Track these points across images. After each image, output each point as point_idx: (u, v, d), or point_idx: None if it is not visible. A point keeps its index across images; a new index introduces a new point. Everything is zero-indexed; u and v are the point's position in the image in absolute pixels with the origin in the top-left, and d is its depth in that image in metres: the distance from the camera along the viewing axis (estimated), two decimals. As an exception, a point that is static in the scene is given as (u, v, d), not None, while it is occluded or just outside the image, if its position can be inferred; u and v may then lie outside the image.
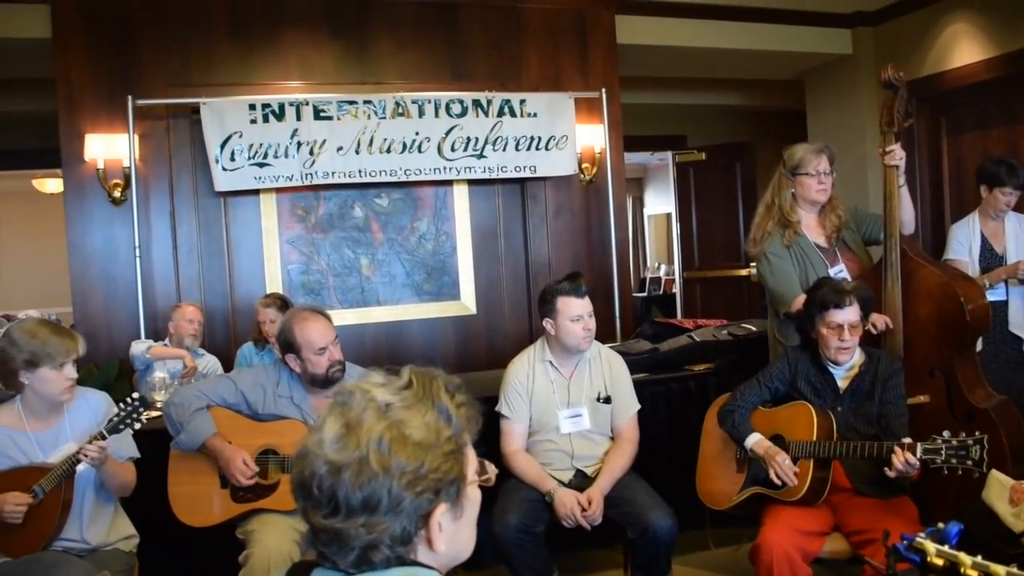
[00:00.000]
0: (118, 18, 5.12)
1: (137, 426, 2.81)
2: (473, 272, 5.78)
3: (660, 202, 13.96)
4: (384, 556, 1.14)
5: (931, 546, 1.30)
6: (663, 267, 13.16)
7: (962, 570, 1.26)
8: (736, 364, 4.19)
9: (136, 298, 5.01)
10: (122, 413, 2.78)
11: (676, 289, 9.41)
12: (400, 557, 1.16)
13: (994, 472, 2.71)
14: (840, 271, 3.62)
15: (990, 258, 4.43)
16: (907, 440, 2.58)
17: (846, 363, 2.98)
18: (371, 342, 5.59)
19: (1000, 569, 1.22)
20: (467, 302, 5.77)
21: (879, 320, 3.35)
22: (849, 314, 2.89)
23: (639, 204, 14.98)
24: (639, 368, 4.19)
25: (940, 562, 1.29)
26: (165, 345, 4.78)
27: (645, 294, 11.59)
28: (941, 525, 1.36)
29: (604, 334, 5.41)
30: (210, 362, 4.85)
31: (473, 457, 1.26)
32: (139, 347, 4.67)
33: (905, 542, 1.33)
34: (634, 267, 14.83)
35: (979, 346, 3.88)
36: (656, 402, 4.13)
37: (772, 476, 2.86)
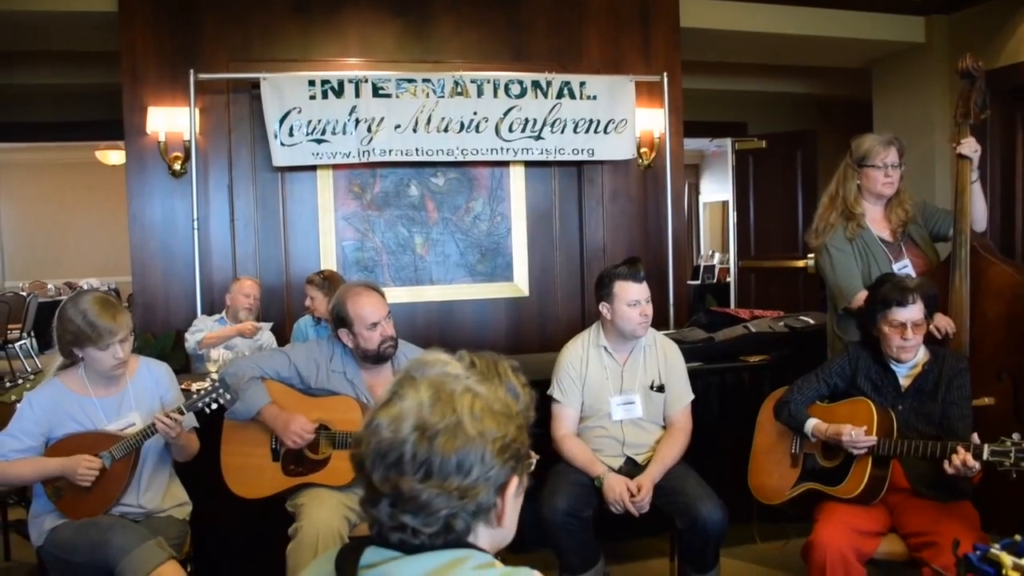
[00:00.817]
0: (183, -8, 5.17)
1: (214, 406, 2.83)
2: (527, 254, 5.75)
3: (716, 189, 13.79)
4: (462, 527, 1.15)
5: (1008, 559, 1.24)
6: (717, 255, 12.99)
7: (1038, 585, 1.20)
8: (792, 357, 4.10)
9: (193, 270, 5.08)
10: (203, 392, 2.80)
11: (730, 278, 9.26)
12: (465, 535, 1.16)
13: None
14: (904, 267, 3.51)
15: None
16: (976, 441, 2.50)
17: (909, 362, 2.89)
18: (423, 321, 5.61)
19: (1079, 585, 1.17)
20: (520, 284, 5.75)
21: (942, 323, 3.24)
22: (912, 312, 2.80)
23: (694, 191, 14.81)
24: (693, 357, 4.12)
25: (1017, 575, 1.24)
26: (218, 321, 4.84)
27: (698, 282, 11.45)
28: (1018, 537, 1.30)
29: (657, 321, 5.32)
30: (266, 335, 4.89)
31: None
32: (192, 341, 4.71)
33: (978, 552, 1.27)
34: (689, 255, 14.69)
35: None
36: (709, 392, 4.06)
37: (848, 449, 2.77)
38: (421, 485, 1.12)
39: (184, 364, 4.84)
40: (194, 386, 2.84)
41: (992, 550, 1.26)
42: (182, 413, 2.70)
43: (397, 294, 5.53)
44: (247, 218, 5.30)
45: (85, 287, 11.60)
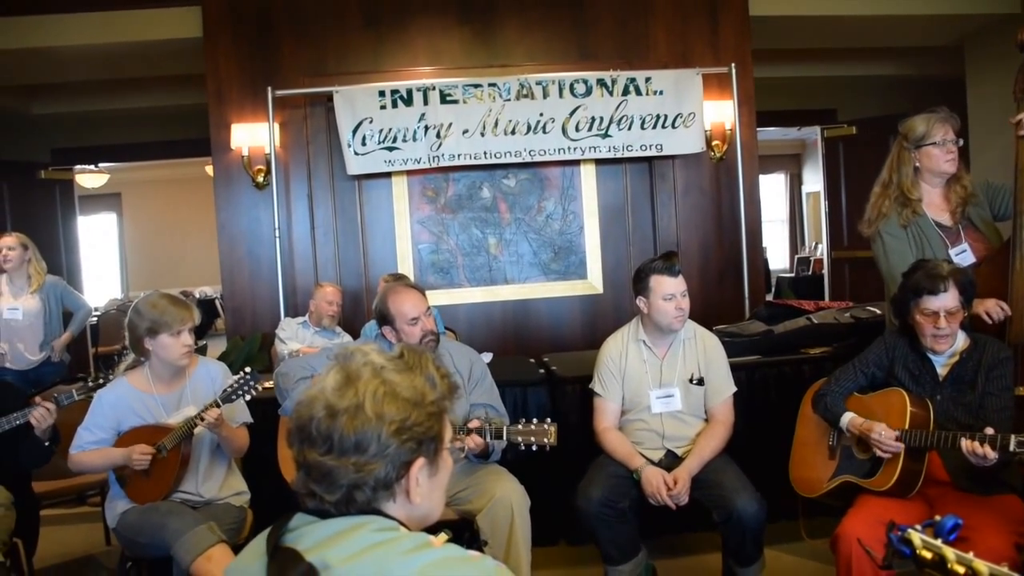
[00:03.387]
0: (260, 15, 5.49)
1: (247, 397, 3.03)
2: (600, 251, 5.80)
3: (818, 179, 13.41)
4: (365, 498, 1.28)
5: (917, 538, 1.25)
6: (820, 247, 12.64)
7: (948, 565, 1.21)
8: (856, 348, 3.99)
9: (277, 276, 5.36)
10: (235, 384, 3.01)
11: (824, 269, 9.02)
12: (374, 504, 1.28)
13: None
14: (963, 251, 3.39)
15: None
16: (989, 431, 2.42)
17: (945, 351, 2.80)
18: (499, 319, 5.74)
19: (983, 566, 1.17)
20: (594, 281, 5.80)
21: (992, 307, 3.12)
22: (945, 300, 2.71)
23: (797, 181, 14.45)
24: (751, 350, 4.09)
25: (928, 555, 1.24)
26: (301, 324, 5.08)
27: (793, 274, 11.18)
28: (938, 517, 1.31)
29: (733, 315, 5.34)
30: (347, 342, 5.11)
31: (450, 427, 1.39)
32: (284, 351, 4.91)
33: (899, 533, 1.29)
34: (790, 247, 14.35)
35: None
36: (767, 386, 4.01)
37: (874, 449, 2.74)
38: (323, 457, 1.26)
39: (267, 365, 5.11)
40: (229, 378, 3.05)
41: (909, 531, 1.27)
42: (218, 406, 2.92)
43: (473, 294, 5.70)
44: (327, 225, 5.55)
45: (198, 295, 12.30)
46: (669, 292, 3.20)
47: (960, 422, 2.71)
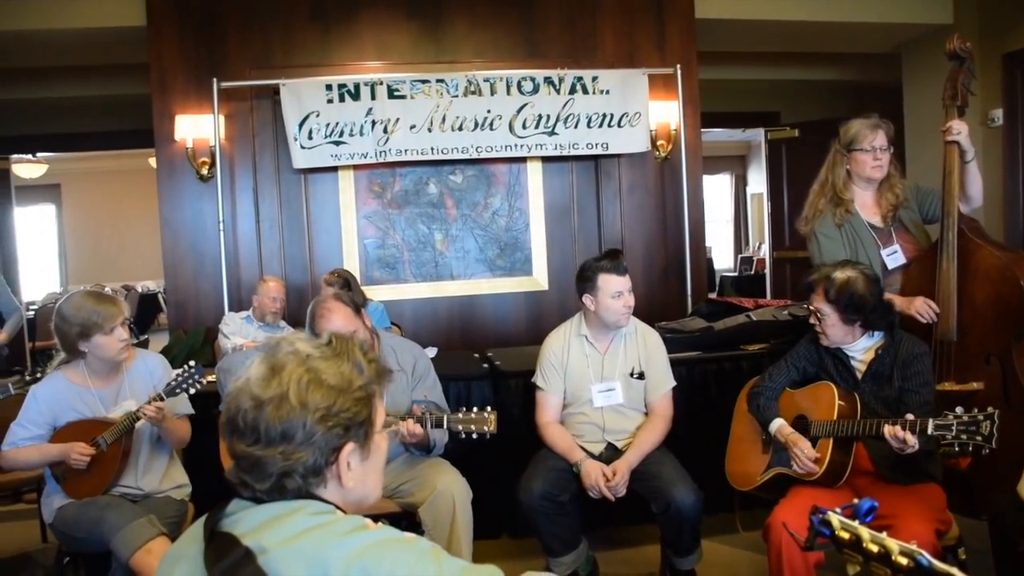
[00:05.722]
0: (206, 5, 5.42)
1: (192, 391, 3.01)
2: (546, 248, 5.86)
3: (762, 180, 13.67)
4: (296, 485, 1.29)
5: (836, 520, 1.32)
6: (763, 247, 12.89)
7: (864, 544, 1.27)
8: (792, 345, 4.09)
9: (221, 270, 5.30)
10: (179, 378, 2.99)
11: (766, 269, 9.20)
12: (307, 490, 1.30)
13: (1033, 464, 2.61)
14: (894, 251, 3.51)
15: None
16: (909, 416, 2.52)
17: (856, 346, 2.92)
18: (444, 315, 5.76)
19: (894, 544, 1.23)
20: (539, 278, 5.85)
21: (921, 307, 3.25)
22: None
23: (742, 182, 14.70)
24: (692, 346, 4.17)
25: (846, 535, 1.31)
26: (245, 319, 5.02)
27: (737, 274, 11.39)
28: (856, 501, 1.37)
29: (676, 313, 5.43)
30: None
31: (382, 410, 1.41)
32: (228, 346, 4.87)
33: (819, 515, 1.35)
34: (735, 247, 14.59)
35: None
36: (707, 381, 4.09)
37: (793, 464, 2.84)
38: (251, 448, 1.27)
39: (211, 360, 5.06)
40: (168, 370, 3.02)
41: (829, 513, 1.33)
42: (161, 399, 2.89)
43: (418, 290, 5.71)
44: (272, 219, 5.51)
45: (140, 290, 12.08)
46: (617, 290, 3.25)
47: (880, 416, 2.81)
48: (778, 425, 2.95)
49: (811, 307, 2.94)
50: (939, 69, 6.72)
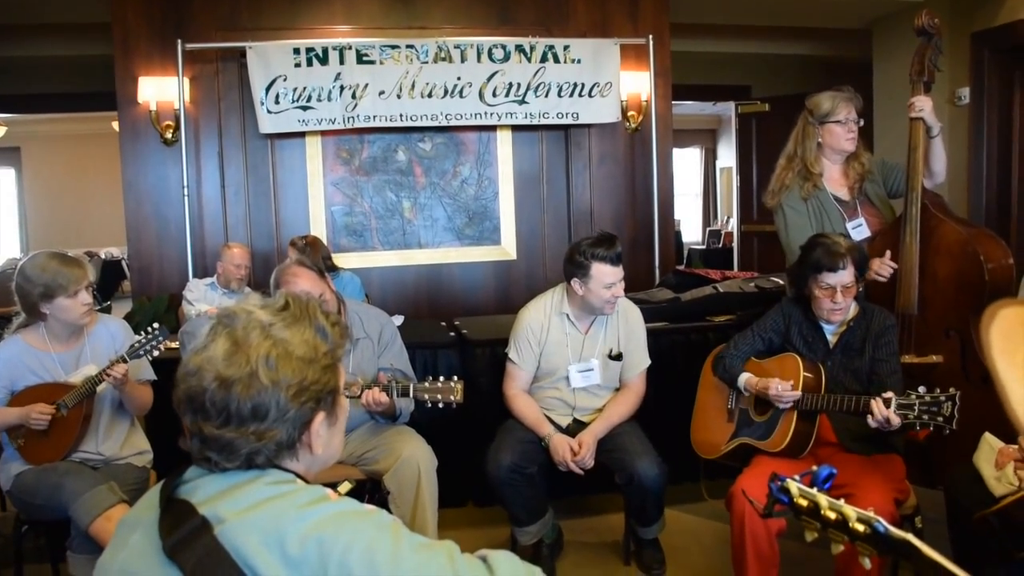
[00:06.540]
0: (171, -37, 5.27)
1: (155, 353, 2.97)
2: (515, 217, 5.83)
3: (732, 154, 13.72)
4: (265, 458, 1.25)
5: (794, 487, 1.33)
6: (732, 221, 12.97)
7: (822, 511, 1.28)
8: (758, 316, 4.13)
9: (185, 236, 5.22)
10: (143, 340, 2.94)
11: (734, 242, 9.27)
12: (275, 462, 1.27)
13: (987, 435, 2.66)
14: (859, 225, 3.53)
15: None
16: (888, 395, 2.54)
17: (838, 322, 2.94)
18: (412, 283, 5.73)
19: (851, 511, 1.24)
20: (507, 247, 5.84)
21: (879, 266, 3.27)
22: (843, 277, 2.82)
23: (712, 156, 14.73)
24: (658, 316, 4.19)
25: (804, 503, 1.32)
26: (209, 286, 4.95)
27: (705, 247, 11.45)
28: (815, 468, 1.38)
29: (644, 284, 5.44)
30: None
31: (343, 372, 1.37)
32: (192, 312, 4.80)
33: (778, 483, 1.36)
34: (704, 220, 14.66)
35: None
36: (674, 351, 4.11)
37: (774, 403, 2.83)
38: (220, 430, 1.22)
39: (175, 326, 4.99)
40: (131, 335, 2.97)
41: (787, 480, 1.34)
42: (124, 361, 2.84)
43: (386, 258, 5.67)
44: (237, 184, 5.43)
45: (104, 256, 11.89)
46: (610, 281, 3.16)
47: (848, 387, 2.85)
48: (745, 378, 2.98)
49: (838, 285, 2.84)
50: (909, 46, 6.74)
